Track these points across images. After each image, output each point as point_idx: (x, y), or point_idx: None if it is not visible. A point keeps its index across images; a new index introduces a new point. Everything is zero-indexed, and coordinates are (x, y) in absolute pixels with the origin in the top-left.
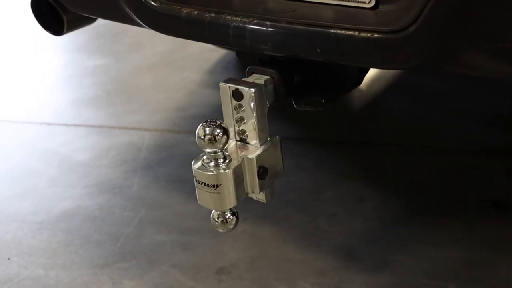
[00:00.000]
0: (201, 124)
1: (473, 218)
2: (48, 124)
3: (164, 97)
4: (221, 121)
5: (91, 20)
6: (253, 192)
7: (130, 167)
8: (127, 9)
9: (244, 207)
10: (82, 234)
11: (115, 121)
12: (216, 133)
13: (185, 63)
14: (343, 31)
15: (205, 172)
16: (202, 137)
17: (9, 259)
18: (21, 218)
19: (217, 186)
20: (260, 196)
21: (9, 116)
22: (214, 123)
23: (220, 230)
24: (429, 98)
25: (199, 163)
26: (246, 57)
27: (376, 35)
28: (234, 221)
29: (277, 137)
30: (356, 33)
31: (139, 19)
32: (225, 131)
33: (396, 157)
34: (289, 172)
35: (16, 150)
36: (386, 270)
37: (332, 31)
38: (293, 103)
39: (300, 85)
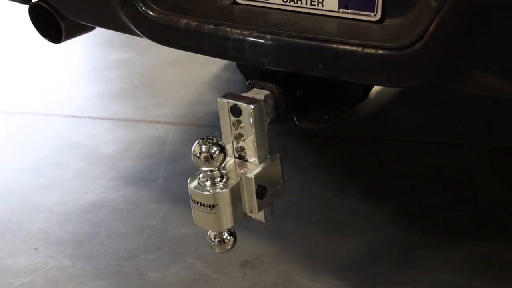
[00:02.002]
0: (197, 142)
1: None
2: (74, 117)
3: (189, 91)
4: (218, 139)
5: (89, 28)
6: (251, 211)
7: (155, 161)
8: (125, 19)
9: None
10: (108, 226)
11: (141, 115)
12: (212, 151)
13: (209, 58)
14: (346, 47)
15: (201, 192)
16: (198, 155)
17: (36, 249)
18: (47, 209)
19: (214, 206)
20: (259, 216)
21: (35, 109)
22: (210, 141)
23: (217, 251)
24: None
25: (195, 182)
26: (247, 70)
27: (380, 52)
28: (231, 242)
29: (278, 154)
30: (360, 49)
31: (136, 29)
32: (222, 149)
33: (420, 153)
34: (313, 168)
35: (43, 142)
36: (409, 267)
37: (335, 46)
38: (295, 119)
39: (302, 100)
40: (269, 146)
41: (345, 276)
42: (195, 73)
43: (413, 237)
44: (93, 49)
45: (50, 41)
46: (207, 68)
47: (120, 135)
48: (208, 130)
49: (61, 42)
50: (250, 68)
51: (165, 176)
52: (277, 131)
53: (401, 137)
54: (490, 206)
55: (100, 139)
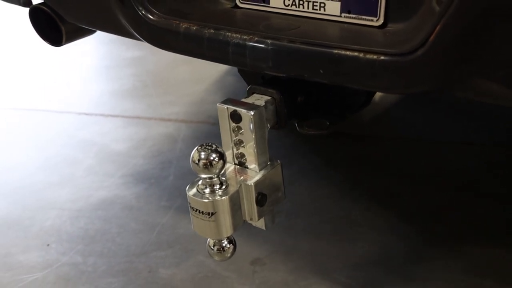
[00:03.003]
0: (196, 148)
1: None
2: (86, 114)
3: (200, 89)
4: (218, 145)
5: (90, 31)
6: (251, 219)
7: (167, 158)
8: (124, 22)
9: None
10: (119, 223)
11: (152, 112)
12: (211, 158)
13: None
14: (348, 52)
15: (200, 199)
16: (197, 162)
17: (48, 245)
18: (59, 206)
19: (213, 214)
20: (259, 224)
21: (48, 106)
22: (209, 147)
23: (216, 259)
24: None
25: (194, 189)
26: (248, 75)
27: (382, 57)
28: (231, 249)
29: (278, 161)
30: (361, 55)
31: (136, 33)
32: (221, 156)
33: (431, 153)
34: (324, 166)
35: (55, 139)
36: (420, 266)
37: (336, 51)
38: (296, 125)
39: (303, 106)
40: (281, 143)
41: (356, 274)
42: (206, 71)
43: (424, 236)
44: (105, 47)
45: (51, 44)
46: (218, 66)
47: (132, 132)
48: (218, 128)
49: (61, 45)
50: (251, 73)
51: (176, 173)
52: (288, 129)
53: (415, 136)
54: (498, 202)
55: (112, 136)
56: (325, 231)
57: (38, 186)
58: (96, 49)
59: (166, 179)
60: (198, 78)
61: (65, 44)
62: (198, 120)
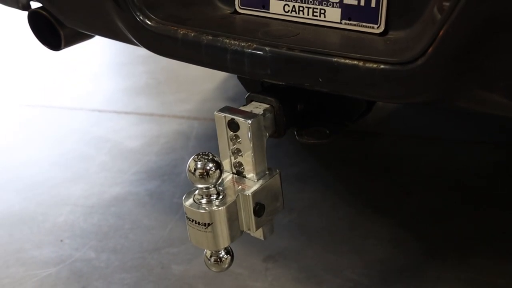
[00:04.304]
0: (192, 157)
1: None
2: (100, 111)
3: (213, 87)
4: (214, 155)
5: (89, 36)
6: (249, 229)
7: (179, 155)
8: (122, 28)
9: (291, 197)
10: (132, 219)
11: (165, 110)
12: (208, 168)
13: None
14: (347, 60)
15: (196, 210)
16: (193, 172)
17: (61, 241)
18: (73, 202)
19: (209, 224)
20: (258, 234)
21: (61, 103)
22: (206, 157)
23: (214, 270)
24: None
25: (190, 200)
26: (247, 82)
27: (382, 66)
28: (228, 260)
29: (277, 170)
30: (361, 63)
31: (133, 38)
32: (218, 166)
33: (445, 151)
34: (337, 164)
35: (68, 136)
36: (433, 264)
37: (335, 59)
38: (295, 133)
39: (303, 114)
40: (294, 139)
41: (368, 272)
42: None
43: (436, 234)
44: (118, 44)
45: (50, 49)
46: None
47: (145, 129)
48: None
49: (60, 49)
50: (251, 80)
51: None
52: None
53: (429, 134)
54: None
55: (125, 133)
56: (337, 229)
57: (52, 182)
58: (108, 46)
59: (178, 176)
60: (210, 75)
61: (64, 48)
62: (211, 117)
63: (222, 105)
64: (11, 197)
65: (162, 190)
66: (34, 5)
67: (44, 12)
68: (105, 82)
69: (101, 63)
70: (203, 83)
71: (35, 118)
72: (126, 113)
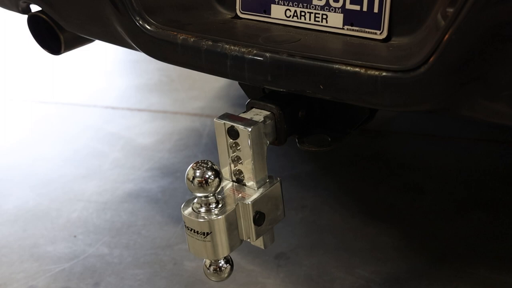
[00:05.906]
0: (191, 165)
1: None
2: (113, 108)
3: (225, 84)
4: (213, 163)
5: (89, 40)
6: (249, 238)
7: (192, 152)
8: (122, 32)
9: (303, 195)
10: (145, 215)
11: (178, 107)
12: (207, 176)
13: None
14: (349, 67)
15: (195, 219)
16: (192, 180)
17: (75, 236)
18: (86, 198)
19: (208, 234)
20: (258, 243)
21: (75, 100)
22: (205, 165)
23: (213, 279)
24: None
25: (189, 208)
26: (248, 88)
27: (384, 74)
28: (228, 270)
29: (278, 178)
30: (363, 70)
31: (133, 43)
32: (217, 174)
33: (458, 150)
34: (348, 162)
35: (82, 132)
36: (445, 262)
37: (337, 66)
38: (296, 141)
39: (304, 121)
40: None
41: (380, 269)
42: None
43: (449, 232)
44: None
45: (50, 53)
46: None
47: (158, 126)
48: None
49: (60, 53)
50: (252, 86)
51: None
52: None
53: (442, 133)
54: None
55: (138, 130)
56: (349, 226)
57: (65, 179)
58: None
59: None
60: None
61: (64, 52)
62: None
63: (235, 102)
64: (26, 193)
65: (175, 186)
66: (34, 8)
67: (43, 16)
68: (118, 79)
69: (114, 61)
70: (216, 80)
71: (49, 115)
72: (139, 110)
